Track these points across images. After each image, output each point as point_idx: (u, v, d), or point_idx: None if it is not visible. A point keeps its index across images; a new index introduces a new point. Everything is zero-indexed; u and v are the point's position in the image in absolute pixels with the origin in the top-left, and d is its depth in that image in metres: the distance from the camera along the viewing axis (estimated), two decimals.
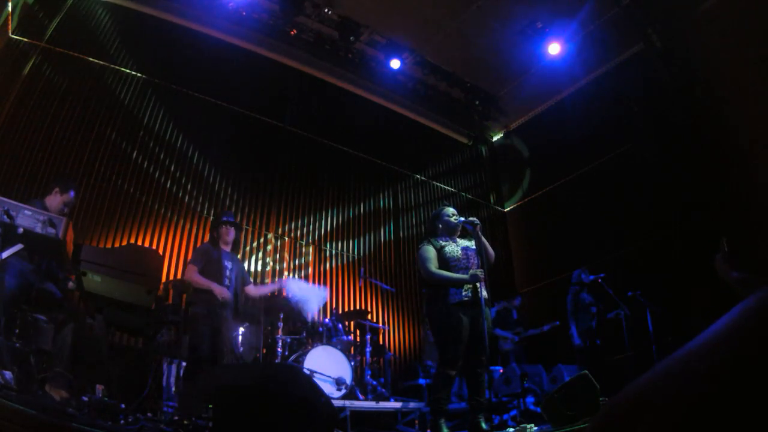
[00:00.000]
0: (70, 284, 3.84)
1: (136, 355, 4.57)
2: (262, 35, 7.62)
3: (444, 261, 3.84)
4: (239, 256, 4.93)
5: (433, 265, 3.82)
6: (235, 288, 4.40)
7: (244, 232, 6.67)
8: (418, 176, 9.01)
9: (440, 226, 4.06)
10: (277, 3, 7.16)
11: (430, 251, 3.89)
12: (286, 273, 6.89)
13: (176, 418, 3.53)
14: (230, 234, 4.56)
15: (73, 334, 3.59)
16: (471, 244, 3.99)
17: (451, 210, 4.12)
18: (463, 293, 3.71)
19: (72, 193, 4.00)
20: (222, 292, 4.14)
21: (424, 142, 9.39)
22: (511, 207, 9.73)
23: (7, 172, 5.34)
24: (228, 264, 4.42)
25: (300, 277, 7.01)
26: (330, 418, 2.93)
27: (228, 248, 4.54)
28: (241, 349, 5.04)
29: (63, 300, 3.70)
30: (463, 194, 9.50)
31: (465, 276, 3.74)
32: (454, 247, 3.91)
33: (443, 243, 3.94)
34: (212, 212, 6.61)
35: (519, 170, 9.68)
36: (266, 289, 5.23)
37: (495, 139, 10.22)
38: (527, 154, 9.56)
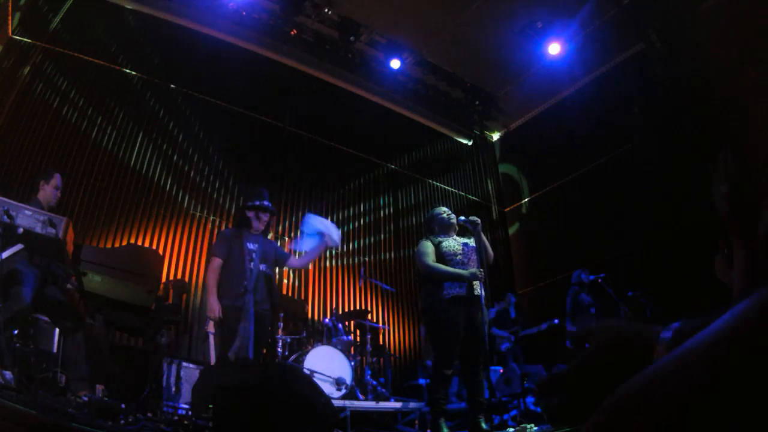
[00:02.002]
0: (69, 286, 3.84)
1: (136, 355, 4.57)
2: (262, 35, 7.62)
3: (440, 255, 3.86)
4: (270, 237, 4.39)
5: (430, 259, 3.83)
6: (259, 270, 3.95)
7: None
8: (418, 176, 9.01)
9: (436, 226, 4.10)
10: (277, 3, 7.16)
11: (428, 246, 3.92)
12: (286, 273, 6.89)
13: (176, 418, 3.53)
14: (262, 222, 4.04)
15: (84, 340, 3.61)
16: (470, 241, 4.00)
17: (443, 208, 4.18)
18: (458, 289, 3.71)
19: (57, 177, 3.98)
20: (213, 311, 3.70)
21: (424, 142, 9.39)
22: (511, 207, 9.73)
23: (7, 172, 5.34)
24: (251, 245, 3.97)
25: (299, 278, 7.01)
26: (330, 418, 2.93)
27: (257, 233, 4.07)
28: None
29: (67, 305, 3.70)
30: (463, 194, 9.50)
31: (464, 272, 3.74)
32: (452, 242, 3.93)
33: (441, 239, 3.96)
34: (212, 212, 6.61)
35: (519, 170, 9.69)
36: (309, 257, 4.39)
37: (495, 139, 10.22)
38: (527, 154, 9.56)
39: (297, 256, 4.61)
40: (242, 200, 5.01)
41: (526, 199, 9.45)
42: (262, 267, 3.96)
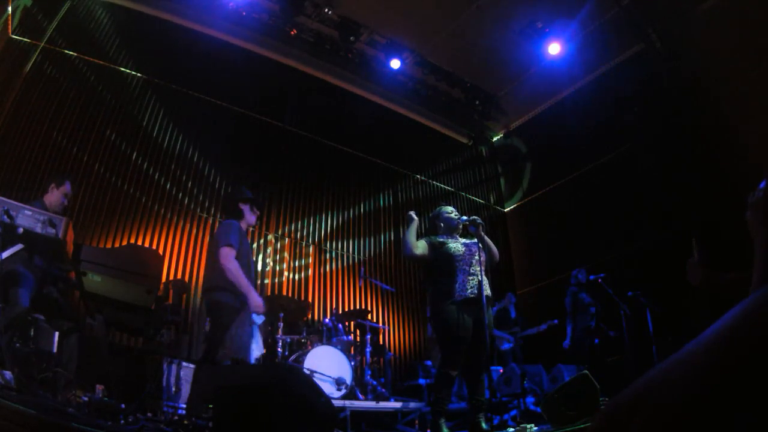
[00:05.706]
0: (68, 286, 3.83)
1: (136, 355, 4.57)
2: (262, 35, 7.62)
3: (447, 257, 3.80)
4: None
5: (413, 242, 3.89)
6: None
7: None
8: (418, 176, 9.01)
9: (441, 224, 4.08)
10: (277, 3, 7.16)
11: (419, 241, 3.95)
12: (286, 273, 6.89)
13: (176, 418, 3.53)
14: (254, 216, 3.89)
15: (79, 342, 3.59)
16: (473, 241, 3.98)
17: (449, 208, 4.14)
18: (468, 291, 3.70)
19: (68, 185, 3.98)
20: (258, 306, 3.49)
21: (424, 142, 9.38)
22: (511, 207, 9.73)
23: (7, 172, 5.34)
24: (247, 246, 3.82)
25: (300, 277, 7.01)
26: (330, 418, 2.93)
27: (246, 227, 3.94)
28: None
29: (66, 305, 3.69)
30: (463, 194, 9.50)
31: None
32: (457, 244, 3.89)
33: (444, 240, 3.93)
34: (212, 212, 6.61)
35: (519, 170, 9.69)
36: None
37: (495, 139, 10.22)
38: (527, 154, 9.56)
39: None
40: (231, 193, 4.81)
41: (526, 199, 9.45)
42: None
